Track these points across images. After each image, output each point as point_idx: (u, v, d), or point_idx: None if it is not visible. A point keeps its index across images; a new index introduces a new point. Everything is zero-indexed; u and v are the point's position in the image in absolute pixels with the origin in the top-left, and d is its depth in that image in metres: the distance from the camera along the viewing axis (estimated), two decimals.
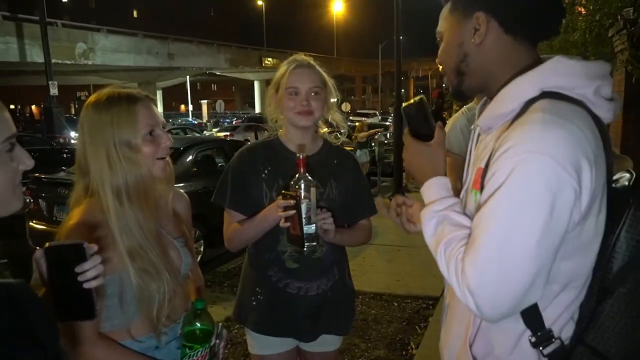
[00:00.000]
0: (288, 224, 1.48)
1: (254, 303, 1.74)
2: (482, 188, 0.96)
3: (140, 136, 1.25)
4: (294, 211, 1.43)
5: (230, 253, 5.58)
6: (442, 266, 0.98)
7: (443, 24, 1.11)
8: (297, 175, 1.49)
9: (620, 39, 5.61)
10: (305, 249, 1.48)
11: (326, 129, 1.81)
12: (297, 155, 1.50)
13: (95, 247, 0.94)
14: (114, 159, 1.22)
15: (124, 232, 1.22)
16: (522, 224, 0.87)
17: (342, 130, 1.84)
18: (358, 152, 9.81)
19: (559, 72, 0.97)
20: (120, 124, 1.23)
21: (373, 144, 10.30)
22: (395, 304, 4.07)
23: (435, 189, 1.07)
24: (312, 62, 1.70)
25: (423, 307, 3.99)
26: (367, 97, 66.58)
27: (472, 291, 0.89)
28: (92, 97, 1.28)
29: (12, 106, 42.70)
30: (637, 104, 5.88)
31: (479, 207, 0.95)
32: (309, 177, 1.49)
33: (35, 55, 19.58)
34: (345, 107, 24.90)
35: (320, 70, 1.70)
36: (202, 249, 5.53)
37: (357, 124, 11.43)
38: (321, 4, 63.46)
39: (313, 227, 1.49)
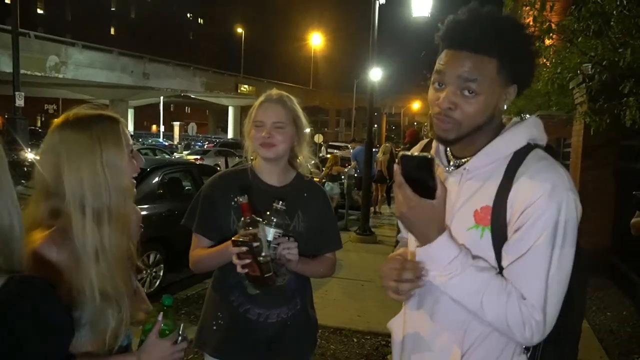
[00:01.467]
0: (245, 270, 1.50)
1: (215, 327, 1.74)
2: (492, 224, 1.09)
3: (126, 156, 1.25)
4: (249, 256, 1.45)
5: (190, 279, 5.52)
6: (494, 306, 1.05)
7: (486, 79, 1.08)
8: (242, 220, 1.51)
9: (580, 91, 5.93)
10: (266, 285, 1.52)
11: (311, 160, 1.85)
12: (239, 199, 1.52)
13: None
14: (100, 179, 1.19)
15: (97, 255, 1.17)
16: (569, 254, 1.05)
17: (312, 162, 1.87)
18: (329, 185, 9.86)
19: (538, 127, 1.17)
20: (107, 145, 1.21)
21: (343, 177, 10.40)
22: (355, 340, 4.03)
23: (448, 245, 1.08)
24: (284, 97, 1.74)
25: (382, 344, 3.96)
26: (340, 130, 67.45)
27: (541, 324, 1.03)
28: (68, 116, 1.24)
29: None
30: (594, 153, 6.17)
31: (498, 241, 1.09)
32: (255, 219, 1.51)
33: (4, 64, 19.08)
34: (318, 138, 25.14)
35: (293, 106, 1.74)
36: (161, 273, 5.38)
37: (329, 156, 11.54)
38: (300, 37, 64.77)
39: (268, 258, 1.50)
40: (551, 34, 4.94)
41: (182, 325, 1.30)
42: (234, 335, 1.70)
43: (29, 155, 11.00)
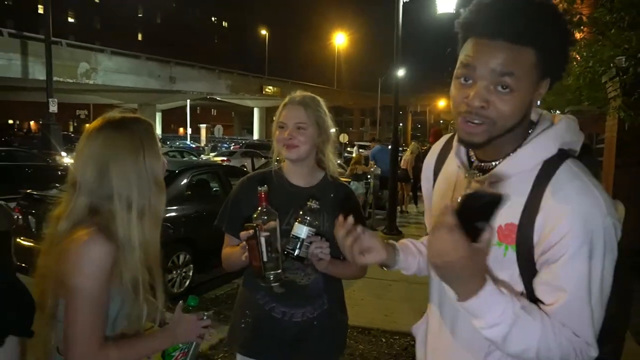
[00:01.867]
0: (246, 254, 1.53)
1: (243, 325, 1.79)
2: (518, 244, 1.01)
3: (162, 155, 1.33)
4: (253, 242, 1.47)
5: (219, 279, 5.58)
6: (553, 344, 0.97)
7: (524, 72, 0.96)
8: (258, 209, 1.54)
9: (613, 85, 5.75)
10: (264, 278, 1.52)
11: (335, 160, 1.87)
12: (259, 189, 1.55)
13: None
14: (144, 177, 1.26)
15: (141, 249, 1.25)
16: (609, 273, 0.99)
17: (333, 161, 1.88)
18: (354, 184, 9.83)
19: (572, 130, 1.06)
20: (150, 147, 1.29)
21: (369, 177, 10.35)
22: (384, 340, 4.01)
23: (495, 297, 0.95)
24: (306, 99, 1.77)
25: (411, 344, 3.93)
26: (365, 130, 67.25)
27: (593, 347, 0.98)
28: (108, 119, 1.30)
29: (10, 121, 42.75)
30: (628, 149, 5.98)
31: (524, 260, 1.01)
32: (271, 210, 1.55)
33: (38, 72, 19.75)
34: (343, 138, 25.12)
35: (317, 107, 1.77)
36: (190, 274, 5.46)
37: (354, 155, 11.52)
38: (323, 37, 64.90)
39: (274, 256, 1.52)
40: (582, 27, 4.81)
41: (205, 313, 1.42)
42: (260, 333, 1.75)
43: (65, 159, 11.32)
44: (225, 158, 18.53)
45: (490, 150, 1.06)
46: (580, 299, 0.97)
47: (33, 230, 4.89)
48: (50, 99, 15.30)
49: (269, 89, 40.17)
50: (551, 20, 0.97)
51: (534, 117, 1.09)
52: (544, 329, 0.96)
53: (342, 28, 62.38)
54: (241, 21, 65.79)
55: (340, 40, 58.85)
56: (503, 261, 1.03)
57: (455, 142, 1.16)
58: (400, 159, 10.70)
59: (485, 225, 0.90)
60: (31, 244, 4.77)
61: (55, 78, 16.18)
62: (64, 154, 14.35)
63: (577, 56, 5.93)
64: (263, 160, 17.00)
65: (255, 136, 44.81)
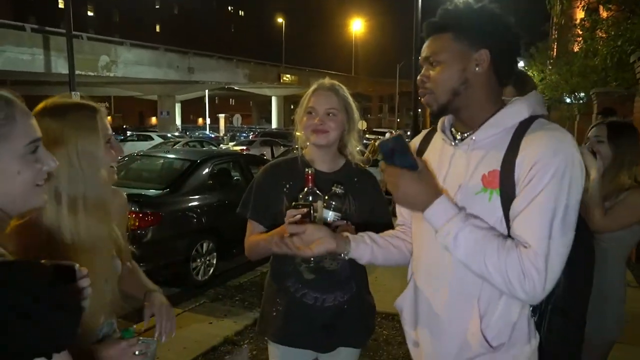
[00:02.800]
0: (295, 232, 1.48)
1: (274, 314, 1.81)
2: (501, 186, 1.15)
3: (102, 145, 1.26)
4: (306, 221, 1.45)
5: (242, 266, 5.65)
6: (494, 261, 1.10)
7: (442, 50, 1.23)
8: (305, 189, 1.57)
9: None
10: (314, 258, 1.54)
11: (358, 147, 1.87)
12: (306, 170, 1.59)
13: (85, 271, 0.94)
14: (75, 168, 1.20)
15: (73, 242, 1.20)
16: (574, 209, 1.10)
17: (357, 148, 1.89)
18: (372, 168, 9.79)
19: (539, 101, 1.27)
20: (85, 134, 1.22)
21: None
22: None
23: (446, 206, 1.18)
24: (335, 85, 1.78)
25: None
26: (383, 116, 66.73)
27: (542, 274, 1.06)
28: (47, 104, 1.25)
29: None
30: None
31: (507, 201, 1.14)
32: (317, 192, 1.57)
33: (60, 66, 20.09)
34: (362, 125, 24.95)
35: (345, 94, 1.79)
36: (214, 262, 5.54)
37: (372, 142, 11.46)
38: (340, 23, 64.31)
39: None
40: (610, 5, 4.65)
41: (154, 343, 1.31)
42: (293, 320, 1.77)
43: None
44: (244, 147, 18.61)
45: (464, 120, 1.28)
46: (541, 213, 1.08)
47: None
48: (73, 93, 15.53)
49: (287, 77, 40.07)
50: (456, 7, 1.23)
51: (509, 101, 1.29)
52: (495, 240, 1.11)
53: (360, 14, 61.72)
54: (258, 10, 65.62)
55: (357, 26, 58.27)
56: (488, 206, 1.17)
57: (439, 124, 1.39)
58: None
59: (411, 159, 1.18)
60: None
61: (77, 71, 16.40)
62: None
63: (604, 35, 5.76)
64: (282, 149, 17.03)
65: (274, 125, 44.87)
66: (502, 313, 1.19)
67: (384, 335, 3.82)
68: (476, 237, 1.13)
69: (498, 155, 1.18)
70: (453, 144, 1.30)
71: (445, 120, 1.37)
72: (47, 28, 21.46)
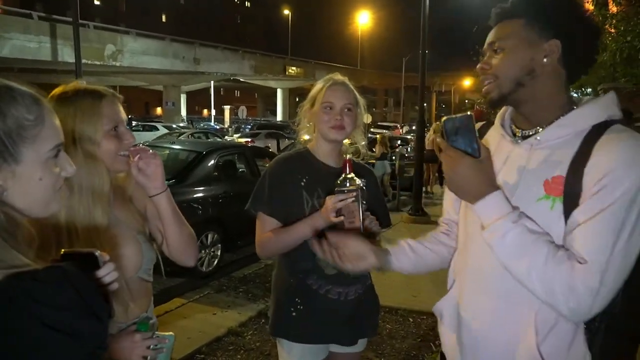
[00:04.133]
0: (341, 218, 1.51)
1: (294, 314, 1.77)
2: (565, 194, 1.06)
3: (102, 132, 1.25)
4: (355, 205, 1.48)
5: (246, 258, 5.67)
6: (540, 268, 1.01)
7: (509, 36, 1.15)
8: (343, 175, 1.54)
9: None
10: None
11: (347, 140, 1.87)
12: (344, 156, 1.63)
13: (107, 256, 0.92)
14: (71, 152, 1.19)
15: (67, 225, 1.20)
16: (638, 239, 1.00)
17: (362, 143, 1.90)
18: (380, 163, 9.81)
19: (615, 103, 1.14)
20: (83, 119, 1.23)
21: (394, 157, 10.28)
22: (411, 320, 4.02)
23: (502, 201, 1.09)
24: (347, 81, 1.79)
25: None
26: (388, 110, 66.46)
27: (592, 293, 0.97)
28: (58, 90, 1.28)
29: None
30: None
31: (570, 211, 1.04)
32: (354, 177, 1.54)
33: (67, 55, 20.06)
34: (367, 118, 24.87)
35: (354, 89, 1.80)
36: (219, 253, 5.56)
37: (377, 136, 11.45)
38: (347, 16, 63.88)
39: (368, 213, 1.54)
40: (620, 0, 4.60)
41: (171, 338, 1.31)
42: (317, 317, 1.75)
43: None
44: (249, 139, 18.60)
45: (526, 115, 1.18)
46: (606, 230, 0.99)
47: None
48: (79, 80, 15.55)
49: (293, 70, 39.93)
50: None
51: (579, 103, 1.19)
52: (546, 248, 1.02)
53: (366, 6, 61.27)
54: (264, 1, 65.26)
55: (364, 19, 57.88)
56: (549, 214, 1.07)
57: (497, 120, 1.29)
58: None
59: (476, 144, 1.09)
60: None
61: (83, 60, 16.39)
62: None
63: (613, 30, 5.70)
64: (287, 142, 17.00)
65: (279, 117, 44.77)
66: (559, 329, 1.10)
67: (387, 329, 3.83)
68: (525, 240, 1.04)
69: (564, 159, 1.08)
70: (512, 141, 1.20)
71: (505, 115, 1.28)
72: (54, 16, 21.41)
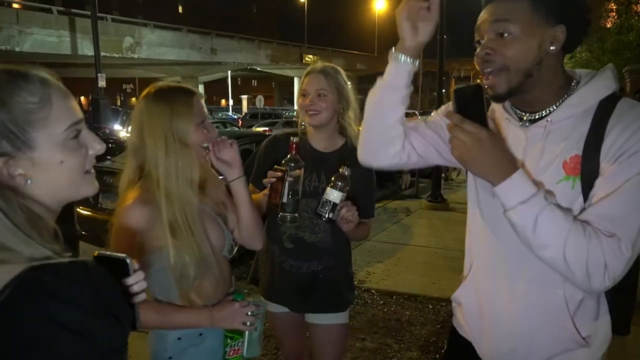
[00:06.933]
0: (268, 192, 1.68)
1: (262, 270, 2.05)
2: (582, 172, 1.05)
3: (194, 126, 1.37)
4: (279, 183, 1.62)
5: None
6: (577, 248, 0.98)
7: (518, 20, 1.06)
8: (288, 156, 1.70)
9: None
10: (280, 217, 1.69)
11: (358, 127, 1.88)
12: (291, 139, 1.72)
13: (137, 265, 0.91)
14: (170, 143, 1.34)
15: (170, 205, 1.32)
16: None
17: (353, 128, 1.97)
18: None
19: (615, 76, 1.13)
20: (179, 114, 1.36)
21: None
22: (430, 307, 4.02)
23: (527, 180, 1.03)
24: (327, 68, 1.89)
25: None
26: None
27: (624, 265, 0.98)
28: (152, 88, 1.41)
29: None
30: None
31: (588, 188, 1.04)
32: (299, 159, 1.69)
33: (86, 48, 20.33)
34: None
35: (337, 76, 1.89)
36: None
37: None
38: (363, 2, 63.15)
39: (293, 200, 1.68)
40: None
41: (264, 305, 1.48)
42: (275, 282, 1.98)
43: (122, 133, 11.72)
44: (267, 128, 18.65)
45: (529, 101, 1.14)
46: (632, 202, 0.98)
47: (90, 200, 5.13)
48: (99, 74, 15.75)
49: (309, 58, 39.72)
50: None
51: (575, 76, 1.16)
52: (575, 225, 1.00)
53: None
54: None
55: (380, 5, 57.12)
56: (571, 194, 1.07)
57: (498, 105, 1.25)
58: None
59: (485, 116, 1.01)
60: (90, 213, 5.03)
61: (102, 53, 16.60)
62: (116, 126, 14.85)
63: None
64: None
65: (296, 106, 44.63)
66: (587, 302, 1.12)
67: (406, 316, 3.84)
68: (557, 220, 1.00)
69: (579, 138, 1.06)
70: (520, 125, 1.16)
71: None
72: (73, 10, 21.69)
